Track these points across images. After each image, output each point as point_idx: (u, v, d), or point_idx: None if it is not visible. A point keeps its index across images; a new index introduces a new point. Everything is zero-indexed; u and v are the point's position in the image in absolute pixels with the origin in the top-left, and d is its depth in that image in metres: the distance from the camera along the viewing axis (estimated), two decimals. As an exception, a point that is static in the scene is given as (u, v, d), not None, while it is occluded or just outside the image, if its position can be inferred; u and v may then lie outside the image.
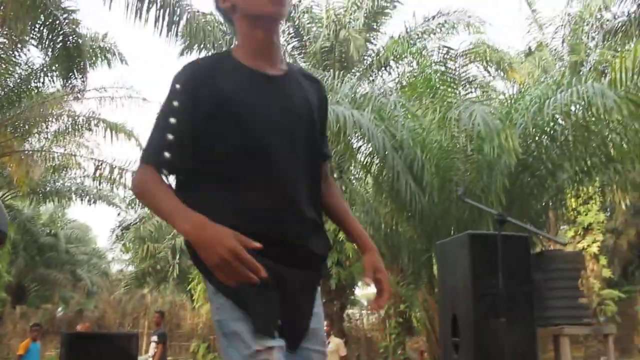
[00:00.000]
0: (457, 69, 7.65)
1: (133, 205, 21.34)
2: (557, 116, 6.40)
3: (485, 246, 3.17)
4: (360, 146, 7.71)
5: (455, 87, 7.47)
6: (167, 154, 1.38)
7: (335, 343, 7.52)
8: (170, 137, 1.38)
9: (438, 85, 7.43)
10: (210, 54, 11.09)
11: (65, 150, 16.00)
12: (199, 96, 1.40)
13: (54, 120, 13.52)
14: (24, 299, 25.27)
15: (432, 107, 6.80)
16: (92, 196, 20.07)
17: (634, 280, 20.31)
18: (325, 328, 7.43)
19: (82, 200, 20.01)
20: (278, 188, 1.41)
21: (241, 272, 1.18)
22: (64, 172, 19.04)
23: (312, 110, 1.52)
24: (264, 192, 1.40)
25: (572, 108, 5.84)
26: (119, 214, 22.51)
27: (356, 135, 6.82)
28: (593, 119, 5.96)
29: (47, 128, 13.72)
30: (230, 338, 1.35)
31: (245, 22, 1.48)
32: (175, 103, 1.41)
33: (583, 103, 5.58)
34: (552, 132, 6.48)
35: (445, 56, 8.16)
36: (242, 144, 1.40)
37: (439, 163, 6.56)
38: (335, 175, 12.18)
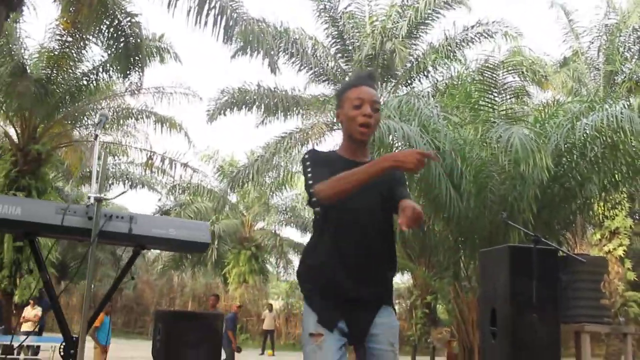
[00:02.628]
0: (495, 78, 8.19)
1: (173, 192, 22.43)
2: (587, 133, 6.99)
3: (522, 255, 3.93)
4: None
5: (492, 96, 8.04)
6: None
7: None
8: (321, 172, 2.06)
9: (477, 99, 8.09)
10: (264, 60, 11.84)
11: (114, 138, 17.01)
12: (308, 166, 2.12)
13: (110, 112, 14.39)
14: (66, 275, 26.60)
15: (474, 126, 7.44)
16: (134, 181, 21.20)
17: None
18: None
19: (124, 184, 21.14)
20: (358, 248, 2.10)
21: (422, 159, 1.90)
22: (110, 158, 20.10)
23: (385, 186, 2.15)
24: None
25: (602, 129, 6.43)
26: (159, 200, 23.69)
27: (403, 145, 7.50)
28: (621, 138, 6.54)
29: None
30: (303, 322, 2.09)
31: (345, 135, 2.21)
32: (317, 162, 2.13)
33: (613, 126, 6.18)
34: (582, 148, 7.06)
35: (484, 66, 8.74)
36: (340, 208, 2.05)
37: (477, 173, 7.21)
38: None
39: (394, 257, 2.23)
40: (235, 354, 11.20)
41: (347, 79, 14.52)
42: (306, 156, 2.15)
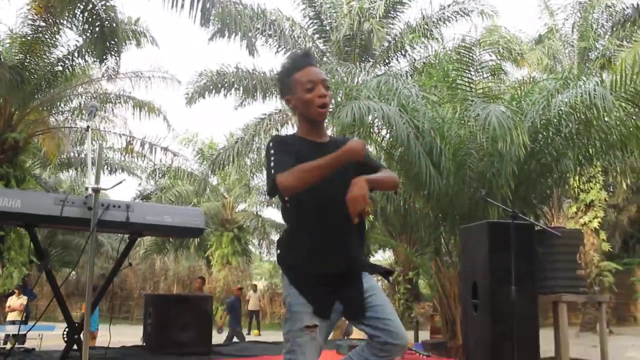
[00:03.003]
0: (472, 57, 8.28)
1: (153, 176, 22.34)
2: (562, 110, 7.17)
3: (500, 231, 4.09)
4: (383, 133, 8.58)
5: (469, 75, 8.16)
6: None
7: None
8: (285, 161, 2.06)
9: (454, 78, 8.21)
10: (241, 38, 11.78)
11: (91, 124, 16.82)
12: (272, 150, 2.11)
13: (87, 98, 14.25)
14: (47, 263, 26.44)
15: (452, 105, 7.57)
16: (114, 166, 21.09)
17: (634, 253, 21.24)
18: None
19: (103, 170, 20.98)
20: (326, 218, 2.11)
21: None
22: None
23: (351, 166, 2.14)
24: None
25: (576, 106, 6.60)
26: (139, 184, 23.60)
27: (381, 124, 7.62)
28: (595, 115, 6.72)
29: (81, 106, 14.43)
30: (291, 315, 2.04)
31: (303, 117, 2.21)
32: (282, 148, 2.12)
33: (587, 103, 6.35)
34: (557, 125, 7.24)
35: (460, 45, 8.85)
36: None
37: (456, 151, 7.36)
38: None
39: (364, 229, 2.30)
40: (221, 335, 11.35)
41: (325, 59, 14.54)
42: (270, 144, 2.13)
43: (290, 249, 2.15)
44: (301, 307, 2.02)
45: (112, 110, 15.16)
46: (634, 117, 7.08)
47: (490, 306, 4.06)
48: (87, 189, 2.13)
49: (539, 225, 4.49)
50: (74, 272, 28.17)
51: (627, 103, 6.76)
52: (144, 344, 5.41)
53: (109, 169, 21.21)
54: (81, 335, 2.24)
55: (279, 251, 2.18)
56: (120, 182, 2.24)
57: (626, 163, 9.23)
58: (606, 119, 6.60)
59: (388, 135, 8.31)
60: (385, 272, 2.44)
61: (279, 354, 5.22)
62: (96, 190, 2.10)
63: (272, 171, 2.02)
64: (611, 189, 19.23)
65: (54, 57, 13.04)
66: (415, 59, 14.23)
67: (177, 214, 2.45)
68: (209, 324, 5.20)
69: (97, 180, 2.16)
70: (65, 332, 2.27)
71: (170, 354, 4.71)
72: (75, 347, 2.32)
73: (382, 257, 23.80)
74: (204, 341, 4.99)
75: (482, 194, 4.37)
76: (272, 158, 2.06)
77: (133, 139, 14.33)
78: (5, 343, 10.46)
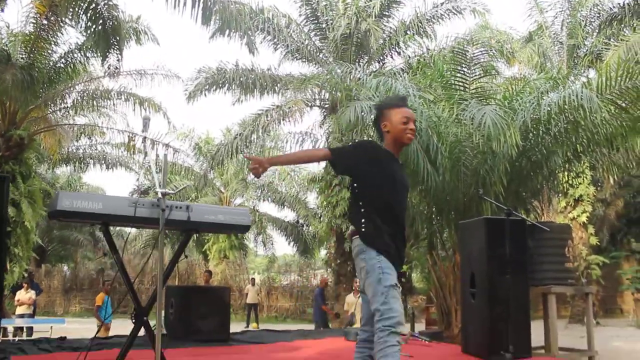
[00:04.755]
0: (464, 56, 8.63)
1: (151, 171, 22.57)
2: (551, 110, 7.55)
3: (496, 226, 4.50)
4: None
5: (463, 74, 8.52)
6: (338, 155, 2.84)
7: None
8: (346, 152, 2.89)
9: (448, 78, 8.59)
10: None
11: (90, 120, 17.10)
12: (371, 152, 2.90)
13: (89, 96, 14.49)
14: (45, 258, 26.64)
15: (448, 105, 7.94)
16: (110, 161, 21.29)
17: (622, 246, 21.76)
18: (357, 283, 8.71)
19: (100, 165, 21.25)
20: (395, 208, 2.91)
21: None
22: (85, 139, 20.17)
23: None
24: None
25: (565, 107, 6.99)
26: (137, 179, 23.86)
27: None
28: (582, 115, 7.12)
29: (82, 103, 14.65)
30: (384, 276, 2.69)
31: (392, 138, 2.97)
32: (359, 145, 3.02)
33: (574, 104, 6.74)
34: (547, 124, 7.64)
35: (453, 46, 9.21)
36: (382, 183, 2.82)
37: (451, 149, 7.74)
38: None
39: None
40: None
41: (321, 56, 14.89)
42: (365, 140, 3.08)
43: (375, 229, 2.78)
44: (391, 270, 2.71)
45: (114, 107, 15.38)
46: (618, 118, 7.51)
47: (487, 293, 4.48)
48: (156, 193, 2.49)
49: (529, 221, 4.92)
50: (70, 267, 28.45)
51: (612, 104, 7.17)
52: (165, 332, 5.77)
53: (107, 164, 21.37)
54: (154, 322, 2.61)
55: (363, 229, 2.78)
56: (185, 187, 2.56)
57: (611, 160, 9.68)
58: (592, 119, 6.98)
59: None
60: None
61: (292, 341, 5.62)
62: (164, 194, 2.46)
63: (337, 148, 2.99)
64: (600, 184, 19.72)
65: (56, 55, 13.26)
66: (409, 56, 14.58)
67: (229, 213, 2.83)
68: (227, 313, 5.57)
69: (163, 185, 2.52)
70: (133, 314, 2.62)
71: (191, 340, 5.07)
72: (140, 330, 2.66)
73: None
74: (223, 329, 5.36)
75: (479, 192, 4.75)
76: (350, 144, 2.91)
77: (134, 136, 14.58)
78: (14, 335, 10.80)
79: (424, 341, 5.59)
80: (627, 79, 7.12)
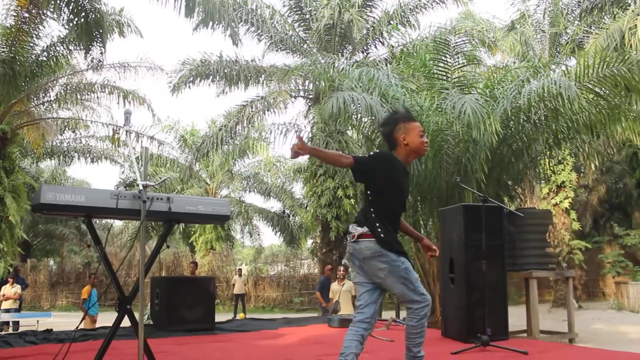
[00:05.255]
0: (447, 46, 8.72)
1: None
2: (532, 98, 7.67)
3: (473, 213, 4.60)
4: (364, 120, 9.05)
5: (445, 64, 8.61)
6: (360, 163, 2.99)
7: (349, 285, 8.95)
8: (365, 162, 3.04)
9: (431, 67, 8.68)
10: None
11: (73, 113, 17.01)
12: (387, 164, 3.08)
13: (72, 89, 14.39)
14: (30, 253, 26.46)
15: (430, 94, 8.03)
16: (95, 155, 21.17)
17: (605, 232, 22.11)
18: (341, 272, 8.82)
19: (85, 158, 21.15)
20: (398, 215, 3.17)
21: None
22: (69, 132, 20.06)
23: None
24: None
25: (545, 95, 7.11)
26: (122, 172, 23.71)
27: (363, 112, 8.06)
28: (561, 103, 7.25)
29: (65, 96, 14.55)
30: (409, 273, 2.97)
31: (410, 150, 3.15)
32: (378, 156, 3.14)
33: (553, 93, 6.86)
34: (527, 112, 7.76)
35: (436, 36, 9.29)
36: (392, 194, 3.09)
37: (433, 137, 7.83)
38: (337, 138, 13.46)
39: None
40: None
41: (305, 46, 14.90)
42: (383, 151, 3.28)
43: (389, 234, 3.04)
44: (411, 268, 3.01)
45: (98, 99, 15.29)
46: (597, 106, 7.65)
47: (464, 278, 4.59)
48: (138, 185, 2.55)
49: (506, 208, 5.04)
50: (56, 262, 28.30)
51: (590, 92, 7.30)
52: (152, 322, 5.84)
53: (91, 158, 21.26)
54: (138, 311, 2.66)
55: (382, 235, 3.00)
56: (165, 179, 2.62)
57: (592, 146, 9.85)
58: (571, 107, 7.10)
59: (369, 122, 8.77)
60: None
61: (276, 329, 5.71)
62: (145, 186, 2.52)
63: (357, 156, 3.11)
64: (582, 171, 19.98)
65: (39, 48, 13.14)
66: (393, 46, 14.63)
67: (209, 203, 2.88)
68: (212, 303, 5.65)
69: (144, 178, 2.58)
70: (116, 305, 2.68)
71: (176, 330, 5.14)
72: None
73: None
74: (208, 318, 5.43)
75: (458, 180, 4.84)
76: (370, 153, 3.22)
77: (119, 128, 14.51)
78: (0, 330, 10.79)
79: (405, 326, 5.69)
80: (605, 67, 7.25)
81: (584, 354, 4.27)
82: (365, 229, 3.00)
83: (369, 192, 3.07)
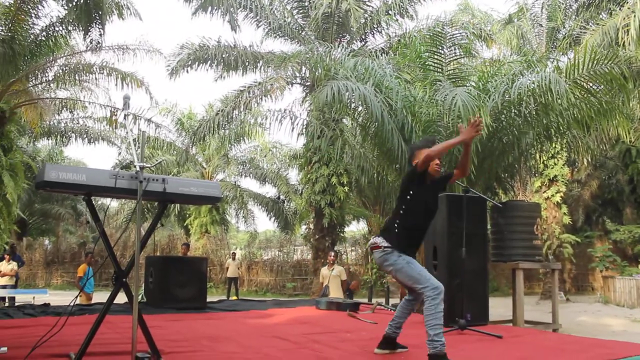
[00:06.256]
0: (443, 38, 8.82)
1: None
2: (523, 92, 7.82)
3: (456, 202, 4.79)
4: (359, 110, 9.19)
5: (440, 56, 8.73)
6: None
7: (338, 270, 9.15)
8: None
9: (425, 59, 8.81)
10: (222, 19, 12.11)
11: (72, 94, 17.07)
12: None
13: (70, 70, 14.43)
14: (26, 231, 26.60)
15: (423, 85, 8.18)
16: (92, 136, 21.26)
17: (596, 226, 22.36)
18: (332, 257, 9.00)
19: (82, 139, 21.26)
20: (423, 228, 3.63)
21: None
22: (67, 113, 20.12)
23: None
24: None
25: (535, 90, 7.27)
26: (119, 154, 23.82)
27: (356, 101, 8.20)
28: (550, 99, 7.40)
29: (64, 77, 14.59)
30: (412, 264, 3.42)
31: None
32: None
33: (544, 87, 7.01)
34: (518, 106, 7.92)
35: (432, 29, 9.41)
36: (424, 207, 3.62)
37: (425, 128, 8.01)
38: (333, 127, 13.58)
39: None
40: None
41: (303, 34, 14.98)
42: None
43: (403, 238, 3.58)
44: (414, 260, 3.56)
45: (96, 81, 15.34)
46: (587, 102, 7.81)
47: (447, 265, 4.78)
48: (135, 166, 2.71)
49: (488, 199, 5.23)
50: (51, 241, 28.45)
51: (580, 88, 7.45)
52: (145, 300, 6.02)
53: (88, 138, 21.36)
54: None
55: (396, 239, 3.54)
56: (159, 163, 2.77)
57: (582, 141, 10.02)
58: (559, 102, 7.25)
59: (364, 112, 8.92)
60: None
61: (265, 309, 5.90)
62: (142, 167, 2.68)
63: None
64: (575, 166, 20.17)
65: (38, 28, 13.18)
66: (390, 36, 14.72)
67: (201, 185, 3.04)
68: (204, 282, 5.83)
69: (141, 159, 2.74)
70: (113, 277, 2.84)
71: (170, 308, 5.33)
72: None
73: (356, 227, 24.57)
74: (200, 297, 5.62)
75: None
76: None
77: (116, 110, 14.60)
78: (-4, 306, 10.96)
79: (389, 310, 5.90)
80: (594, 64, 7.41)
81: (554, 339, 4.47)
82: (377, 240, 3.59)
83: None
